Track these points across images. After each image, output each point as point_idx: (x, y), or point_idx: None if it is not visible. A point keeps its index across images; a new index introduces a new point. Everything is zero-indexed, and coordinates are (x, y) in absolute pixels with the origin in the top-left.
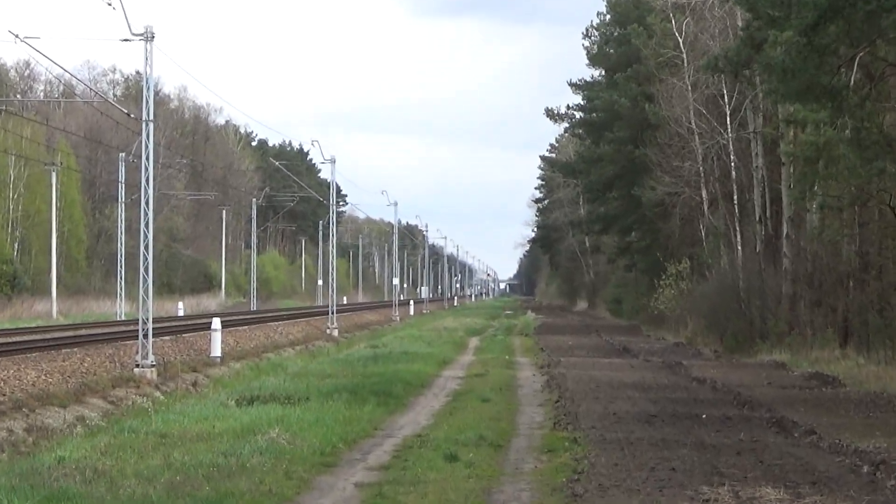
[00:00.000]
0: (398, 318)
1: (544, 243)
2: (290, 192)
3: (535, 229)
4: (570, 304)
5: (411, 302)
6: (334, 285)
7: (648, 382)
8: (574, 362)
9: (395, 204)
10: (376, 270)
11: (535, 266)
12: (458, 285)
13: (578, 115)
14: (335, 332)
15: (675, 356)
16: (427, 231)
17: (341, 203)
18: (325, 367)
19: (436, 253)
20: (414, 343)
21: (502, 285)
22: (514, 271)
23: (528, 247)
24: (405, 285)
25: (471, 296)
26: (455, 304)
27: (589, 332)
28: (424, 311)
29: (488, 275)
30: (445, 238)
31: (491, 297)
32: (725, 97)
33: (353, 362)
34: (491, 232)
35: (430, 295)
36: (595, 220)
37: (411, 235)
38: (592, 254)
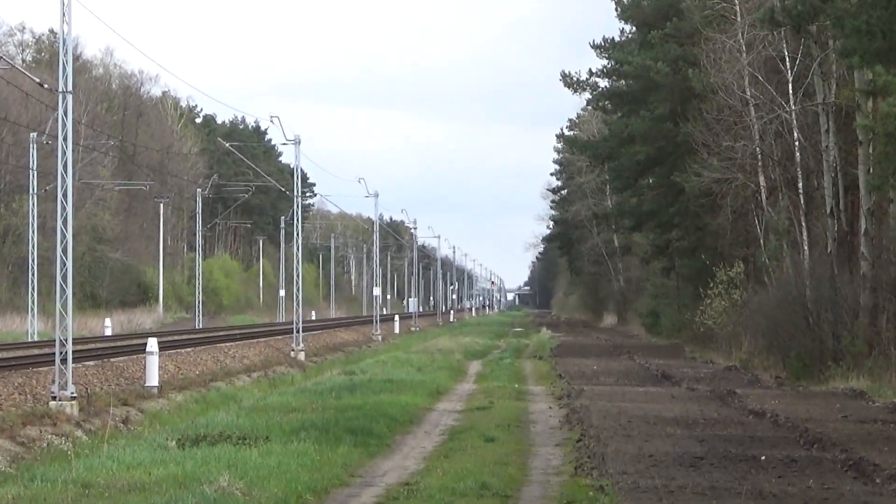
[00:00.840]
0: (380, 338)
1: (562, 243)
2: (244, 181)
3: (551, 226)
4: (594, 318)
5: (396, 317)
6: (300, 297)
7: (693, 416)
8: (600, 392)
9: (376, 195)
10: (353, 278)
11: (550, 272)
12: (454, 296)
13: (604, 83)
14: (301, 356)
15: (726, 384)
16: (416, 229)
17: (308, 194)
18: (289, 400)
19: (427, 256)
20: (400, 369)
21: (510, 296)
22: (525, 278)
23: (541, 248)
24: (389, 296)
25: (471, 309)
26: (451, 319)
27: (619, 354)
28: (413, 329)
29: (492, 283)
30: (438, 237)
31: (496, 310)
32: (787, 60)
33: (323, 393)
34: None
35: (420, 308)
36: (626, 213)
37: (396, 234)
38: (622, 256)
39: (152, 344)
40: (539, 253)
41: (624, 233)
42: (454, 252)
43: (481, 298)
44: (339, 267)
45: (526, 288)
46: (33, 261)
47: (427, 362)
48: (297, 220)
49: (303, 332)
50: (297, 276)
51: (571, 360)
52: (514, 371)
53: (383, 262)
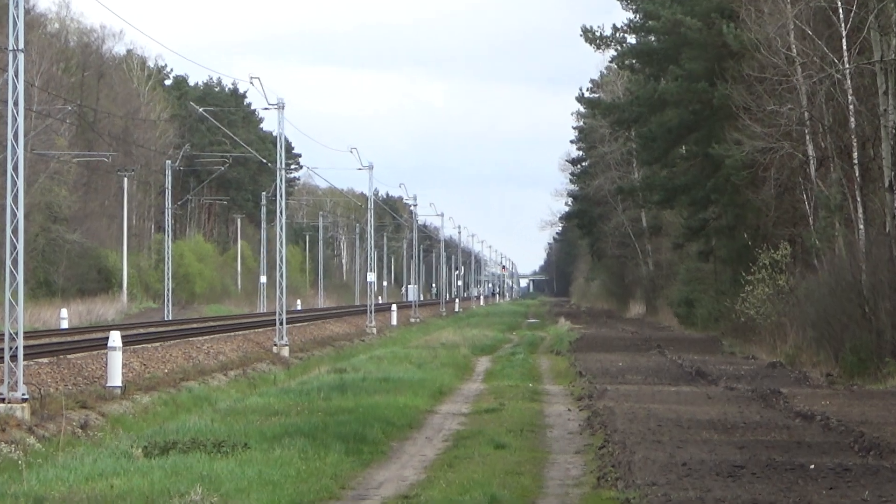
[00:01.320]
0: (375, 331)
1: (583, 222)
2: (220, 152)
3: (570, 202)
4: (619, 308)
5: (394, 307)
6: (283, 284)
7: (732, 419)
8: (626, 392)
9: (371, 167)
10: (344, 262)
11: (569, 255)
12: (460, 283)
13: (631, 39)
14: (285, 352)
15: (770, 382)
16: (416, 206)
17: (293, 166)
18: (272, 402)
19: (428, 237)
20: (398, 366)
21: (524, 282)
22: (541, 262)
23: (559, 227)
24: (385, 283)
25: (478, 297)
26: (456, 308)
27: (648, 349)
28: (413, 320)
29: (503, 268)
30: (442, 216)
31: (507, 298)
32: (840, 11)
33: (310, 394)
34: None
35: (421, 297)
36: (655, 188)
37: (393, 212)
38: (652, 237)
39: (115, 338)
40: (556, 233)
41: (653, 210)
42: (460, 232)
43: (490, 285)
44: (328, 249)
45: (541, 273)
46: None
47: (429, 358)
48: (281, 195)
49: (287, 324)
50: (281, 259)
51: (593, 355)
52: (527, 368)
53: (379, 244)
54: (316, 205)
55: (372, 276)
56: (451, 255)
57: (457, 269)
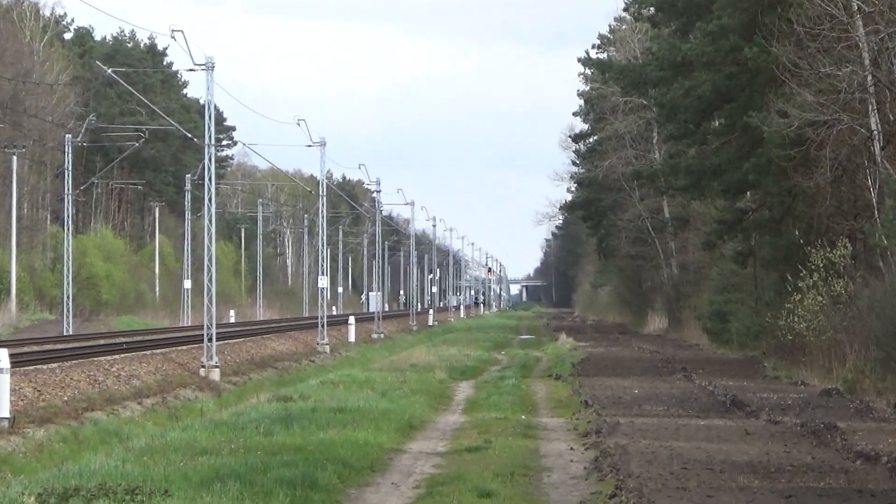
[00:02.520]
0: (328, 349)
1: (590, 213)
2: (133, 124)
3: (574, 189)
4: (635, 321)
5: (351, 320)
6: (213, 290)
7: (777, 461)
8: (643, 426)
9: (323, 144)
10: (289, 263)
11: (572, 255)
12: (434, 289)
13: None
14: (215, 375)
15: (823, 414)
16: (379, 192)
17: (226, 142)
18: (199, 437)
19: (395, 232)
20: (357, 393)
21: (515, 289)
22: (536, 264)
23: (559, 220)
24: (341, 289)
25: (458, 307)
26: (430, 321)
27: (670, 372)
28: (376, 335)
29: (490, 270)
30: (412, 205)
31: (494, 308)
32: None
33: (247, 428)
34: (495, 195)
35: (386, 307)
36: (681, 171)
37: (352, 200)
38: (676, 233)
39: (2, 357)
40: (556, 228)
41: (678, 199)
42: (434, 226)
43: (473, 293)
44: (269, 247)
45: (537, 278)
46: None
47: (395, 384)
48: (210, 178)
49: (217, 340)
50: (209, 260)
51: (602, 380)
52: (520, 396)
53: (333, 241)
54: (254, 190)
55: (324, 281)
56: (423, 255)
57: (431, 272)
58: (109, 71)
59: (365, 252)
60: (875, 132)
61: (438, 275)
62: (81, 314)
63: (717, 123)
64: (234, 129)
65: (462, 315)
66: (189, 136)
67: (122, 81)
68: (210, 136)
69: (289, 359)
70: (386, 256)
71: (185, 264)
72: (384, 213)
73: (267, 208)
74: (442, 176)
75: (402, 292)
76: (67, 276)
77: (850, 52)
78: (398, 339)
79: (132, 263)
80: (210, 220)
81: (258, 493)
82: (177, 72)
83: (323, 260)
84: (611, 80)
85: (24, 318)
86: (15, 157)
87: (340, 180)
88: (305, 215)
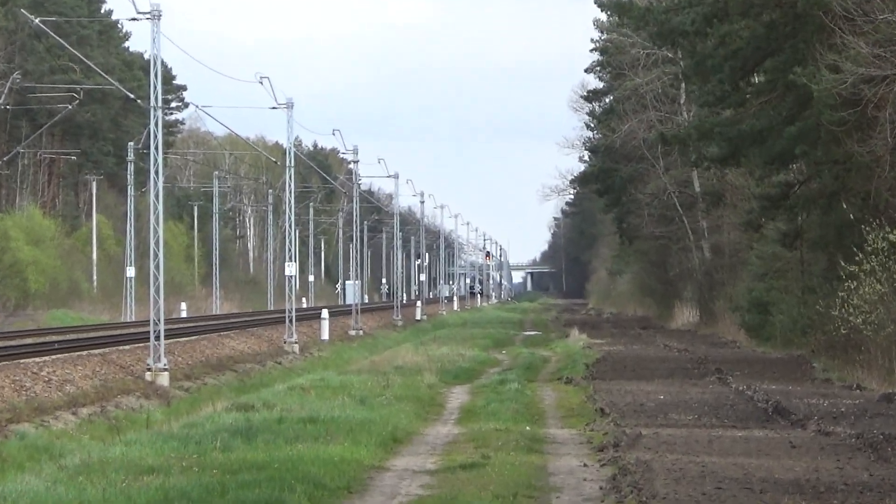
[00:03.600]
0: (297, 348)
1: (606, 187)
2: (64, 84)
3: (587, 158)
4: (661, 313)
5: (325, 314)
6: (162, 279)
7: (828, 479)
8: (670, 438)
9: (290, 106)
10: (251, 247)
11: (585, 236)
12: (423, 277)
13: None
14: (164, 379)
15: (883, 423)
16: (357, 162)
17: (176, 104)
18: (145, 454)
19: (376, 210)
20: (331, 400)
21: (518, 276)
22: (544, 247)
23: (570, 195)
24: (312, 278)
25: (451, 298)
26: (418, 315)
27: (702, 374)
28: (354, 332)
29: (488, 255)
30: (396, 177)
31: (494, 299)
32: None
33: (202, 442)
34: (493, 169)
35: (366, 298)
36: (714, 135)
37: (324, 173)
38: (708, 209)
39: None
40: (567, 204)
41: (711, 169)
42: (422, 202)
43: (469, 281)
44: (227, 228)
45: (544, 264)
46: None
47: (377, 389)
48: (157, 147)
49: (167, 339)
50: (157, 244)
51: (621, 384)
52: (524, 403)
53: (303, 220)
54: (209, 161)
55: (292, 268)
56: (409, 237)
57: (418, 257)
58: (37, 21)
59: (341, 234)
60: None
61: (427, 260)
62: (5, 308)
63: (756, 81)
64: (184, 88)
65: (456, 307)
66: (132, 96)
67: (51, 33)
68: (157, 97)
69: (251, 360)
70: (365, 239)
71: (127, 249)
72: (363, 188)
73: (224, 182)
74: (431, 144)
75: (384, 281)
76: None
77: None
78: (380, 336)
79: (65, 248)
80: (157, 197)
81: None
82: (117, 21)
83: (291, 243)
84: (630, 26)
85: None
86: None
87: (311, 149)
88: (270, 191)
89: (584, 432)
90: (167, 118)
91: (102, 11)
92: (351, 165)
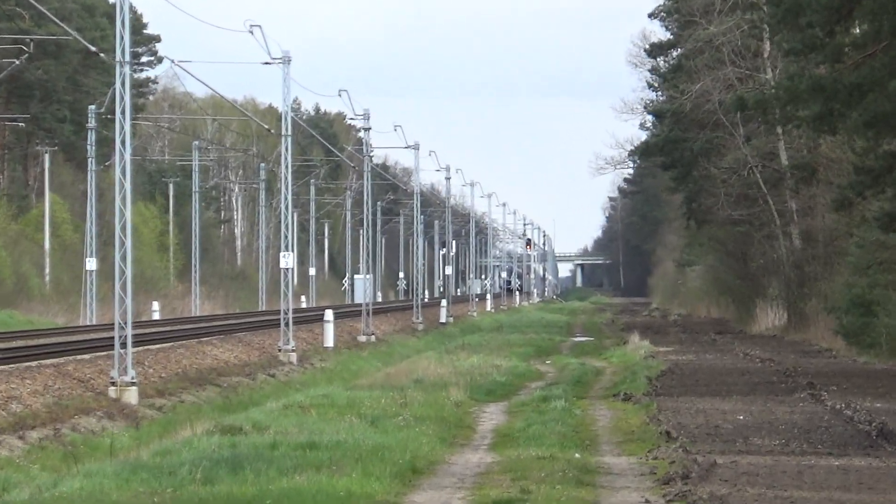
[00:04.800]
0: (294, 358)
1: (673, 160)
2: (11, 34)
3: (651, 124)
4: (740, 315)
5: (329, 315)
6: (129, 273)
7: None
8: (752, 468)
9: (286, 61)
10: (239, 233)
11: (647, 221)
12: (449, 269)
13: None
14: (131, 396)
15: None
16: (368, 130)
17: (147, 59)
18: (107, 487)
19: (392, 188)
20: (336, 422)
21: (565, 269)
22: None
23: (628, 170)
24: (313, 271)
25: (483, 296)
26: (443, 317)
27: (791, 390)
28: (365, 337)
29: (529, 243)
30: (416, 148)
31: (536, 297)
32: None
33: (177, 473)
34: (535, 137)
35: (379, 295)
36: (805, 96)
37: (328, 143)
38: (798, 187)
39: None
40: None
41: (802, 138)
42: (448, 179)
43: (506, 275)
44: (209, 211)
45: (597, 254)
46: None
47: (392, 409)
48: (124, 112)
49: (135, 346)
50: (123, 229)
51: (692, 401)
52: (572, 426)
53: (302, 201)
54: (188, 129)
55: (288, 260)
56: (432, 221)
57: (444, 245)
58: None
59: (348, 217)
60: None
61: (455, 249)
62: None
63: (855, 31)
64: (158, 39)
65: (489, 307)
66: (93, 49)
67: None
68: (124, 50)
69: (238, 372)
70: (379, 224)
71: (87, 236)
72: (376, 161)
73: (206, 155)
74: (459, 108)
75: (401, 276)
76: None
77: None
78: (396, 343)
79: (10, 235)
80: (124, 172)
81: None
82: None
83: (287, 229)
84: None
85: None
86: None
87: (312, 113)
88: (262, 165)
89: (645, 461)
90: (137, 76)
91: None
92: (361, 134)
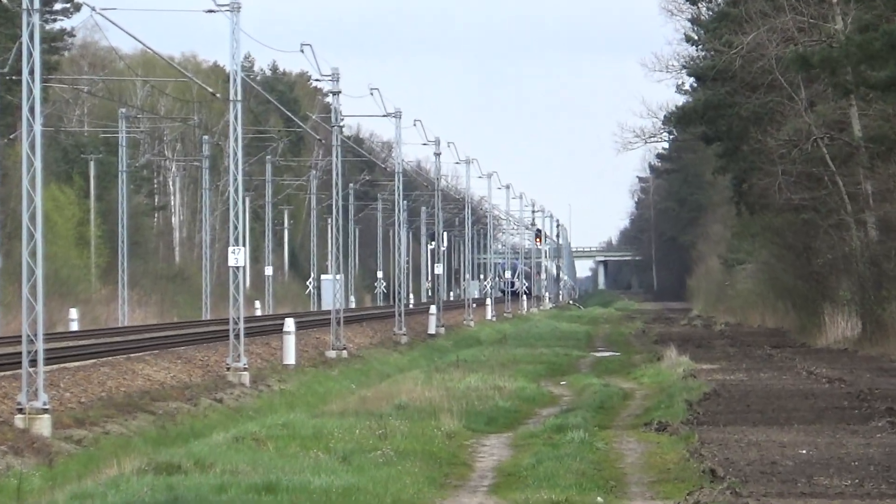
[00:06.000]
0: (247, 378)
1: (717, 130)
2: None
3: (690, 86)
4: (803, 324)
5: (289, 324)
6: (40, 272)
7: None
8: None
9: (235, 7)
10: (177, 223)
11: (686, 206)
12: (439, 268)
13: None
14: (43, 426)
15: None
16: (338, 94)
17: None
18: None
19: (369, 167)
20: (299, 458)
21: (586, 267)
22: (623, 224)
23: (663, 143)
24: (269, 269)
25: (481, 299)
26: (432, 328)
27: (865, 417)
28: (335, 352)
29: (540, 235)
30: (397, 117)
31: (548, 301)
32: None
33: None
34: (548, 102)
35: (352, 300)
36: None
37: (288, 110)
38: (874, 164)
39: None
40: (659, 157)
41: (877, 103)
42: (438, 155)
43: (509, 275)
44: (139, 195)
45: (623, 249)
46: None
47: (368, 441)
48: (32, 72)
49: (49, 363)
50: (33, 219)
51: (742, 432)
52: (593, 462)
53: (255, 183)
54: (113, 94)
55: (239, 256)
56: (418, 208)
57: (433, 238)
58: None
59: (313, 203)
60: None
61: (447, 243)
62: None
63: None
64: None
65: (490, 315)
66: None
67: None
68: None
69: (176, 396)
70: (352, 211)
71: None
72: (347, 133)
73: (136, 125)
74: (450, 66)
75: (380, 276)
76: None
77: None
78: (374, 359)
79: None
80: (33, 148)
81: None
82: None
83: (238, 218)
84: None
85: None
86: None
87: (269, 74)
88: (206, 138)
89: None
90: (49, 27)
91: None
92: (328, 99)
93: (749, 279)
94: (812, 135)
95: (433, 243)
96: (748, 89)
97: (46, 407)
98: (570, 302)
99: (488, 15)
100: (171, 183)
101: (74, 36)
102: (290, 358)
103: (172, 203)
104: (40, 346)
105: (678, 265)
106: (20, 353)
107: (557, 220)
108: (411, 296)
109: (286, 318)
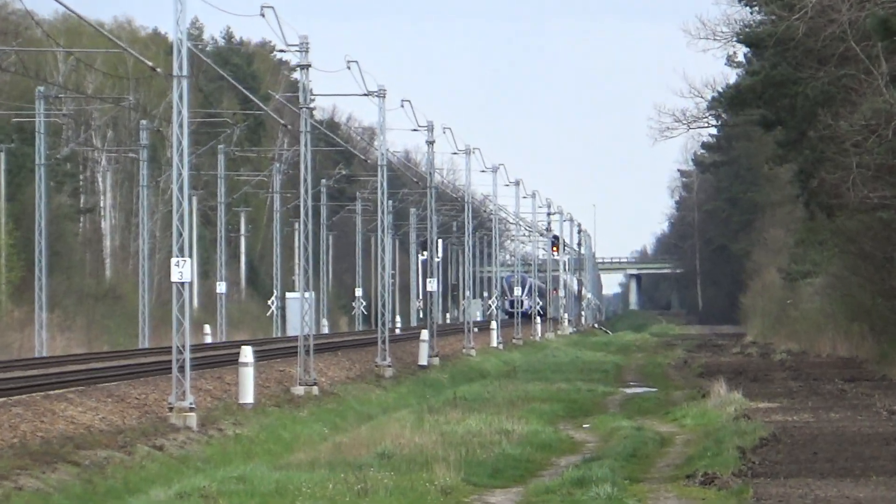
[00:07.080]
0: (194, 421)
1: (777, 113)
2: None
3: (743, 58)
4: (883, 352)
5: (247, 354)
6: None
7: None
8: None
9: None
10: (107, 228)
11: (738, 208)
12: (431, 285)
13: None
14: None
15: None
16: (307, 67)
17: None
18: None
19: (345, 158)
20: None
21: (614, 282)
22: (661, 230)
23: (712, 129)
24: (223, 287)
25: (486, 322)
26: (424, 358)
27: None
28: (301, 388)
29: (556, 242)
30: (380, 97)
31: (567, 325)
32: None
33: None
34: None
35: (325, 324)
36: None
37: (245, 88)
38: None
39: None
40: (705, 147)
41: None
42: (431, 144)
43: (521, 291)
44: (61, 194)
45: (660, 260)
46: None
47: (343, 499)
48: None
49: None
50: None
51: (809, 486)
52: None
53: (205, 178)
54: (28, 68)
55: (184, 270)
56: (407, 209)
57: (424, 247)
58: None
59: (277, 204)
60: None
61: (442, 253)
62: None
63: None
64: None
65: (496, 342)
66: None
67: None
68: None
69: (107, 443)
70: (324, 213)
71: None
72: (319, 117)
73: (57, 107)
74: (444, 37)
75: (359, 293)
76: None
77: None
78: (352, 396)
79: None
80: None
81: None
82: None
83: (183, 222)
84: None
85: None
86: None
87: (221, 42)
88: (144, 123)
89: None
90: None
91: None
92: (296, 74)
93: (817, 297)
94: (894, 118)
95: (425, 253)
96: (815, 62)
97: None
98: (595, 325)
99: None
100: (100, 179)
101: None
102: (248, 396)
103: (102, 204)
104: None
105: (728, 280)
106: None
107: (579, 225)
108: (398, 318)
109: (243, 347)
